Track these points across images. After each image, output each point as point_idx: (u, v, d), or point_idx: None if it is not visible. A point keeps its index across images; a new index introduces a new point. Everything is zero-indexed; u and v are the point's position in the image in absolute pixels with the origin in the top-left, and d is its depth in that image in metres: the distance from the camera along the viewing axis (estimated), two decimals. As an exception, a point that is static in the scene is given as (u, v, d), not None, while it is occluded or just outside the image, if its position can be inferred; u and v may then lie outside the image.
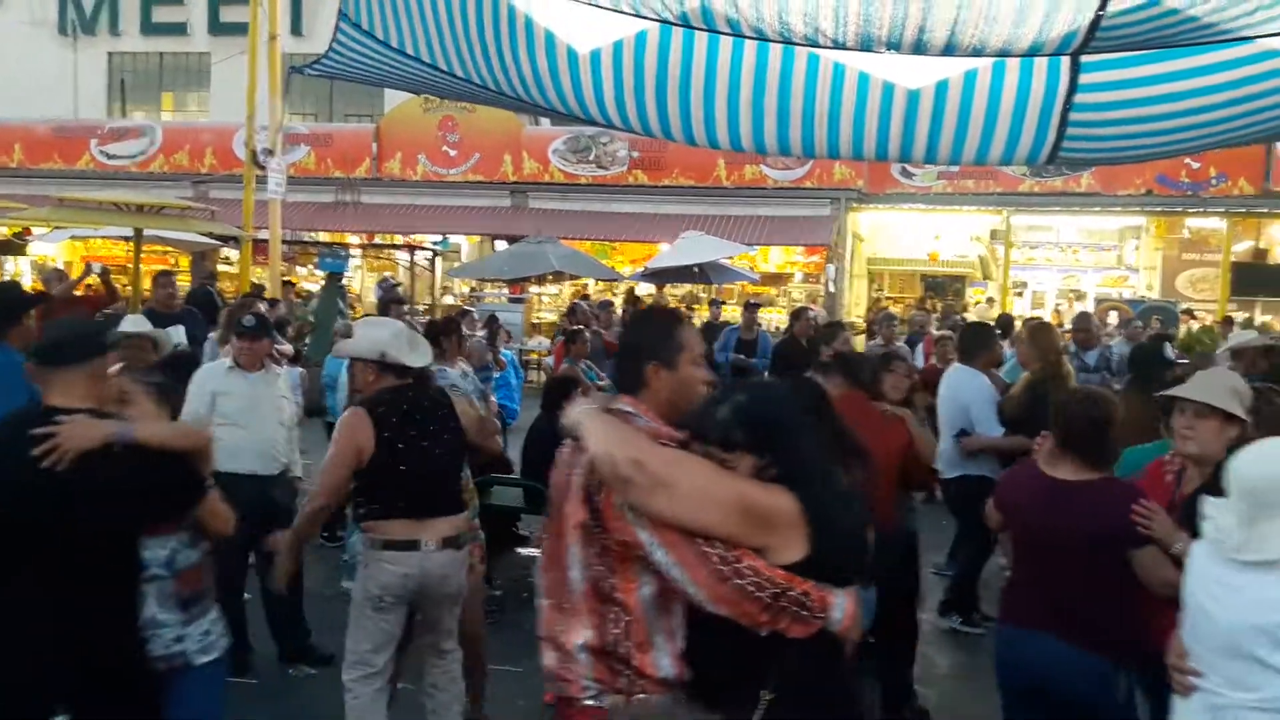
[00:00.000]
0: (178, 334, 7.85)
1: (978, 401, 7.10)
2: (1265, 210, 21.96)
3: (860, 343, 15.18)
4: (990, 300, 23.00)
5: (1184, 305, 20.97)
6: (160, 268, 16.38)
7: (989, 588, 7.38)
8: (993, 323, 13.45)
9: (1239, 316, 20.28)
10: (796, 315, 12.89)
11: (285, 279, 19.01)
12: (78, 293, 11.01)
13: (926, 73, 4.74)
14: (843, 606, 2.64)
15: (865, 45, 4.08)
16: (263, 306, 9.73)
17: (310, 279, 23.59)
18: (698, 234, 18.43)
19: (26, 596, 3.23)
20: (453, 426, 5.01)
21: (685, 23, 4.23)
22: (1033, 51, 4.02)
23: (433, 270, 23.23)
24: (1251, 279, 22.37)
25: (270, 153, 14.73)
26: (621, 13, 4.25)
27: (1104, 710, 3.89)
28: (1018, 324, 12.72)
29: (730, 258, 18.73)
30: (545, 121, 22.27)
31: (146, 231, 12.01)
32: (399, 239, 23.56)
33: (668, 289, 21.83)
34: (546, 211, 23.53)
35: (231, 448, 6.14)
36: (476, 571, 5.31)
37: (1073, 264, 24.70)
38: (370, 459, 4.73)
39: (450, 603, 4.91)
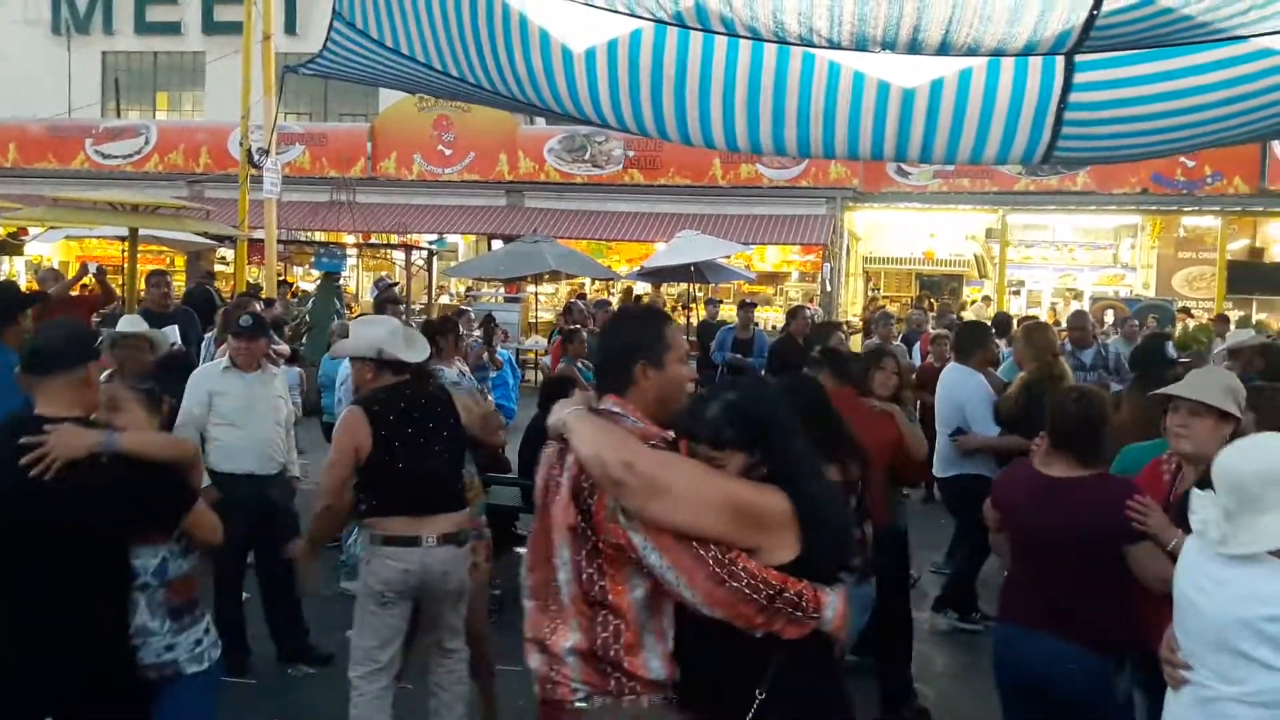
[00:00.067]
0: (172, 334, 7.84)
1: (973, 401, 7.11)
2: (1260, 209, 22.00)
3: (857, 341, 15.20)
4: (987, 299, 23.02)
5: (1180, 304, 21.03)
6: (154, 267, 16.36)
7: (988, 586, 7.38)
8: (989, 321, 13.47)
9: (1235, 315, 20.31)
10: (793, 314, 12.92)
11: (281, 279, 19.00)
12: (74, 293, 11.00)
13: (921, 72, 4.74)
14: (834, 605, 2.64)
15: (860, 45, 4.08)
16: (259, 306, 9.72)
17: (306, 279, 23.60)
18: (694, 233, 18.41)
19: (15, 603, 3.24)
20: (451, 423, 5.01)
21: (680, 22, 4.23)
22: (1027, 51, 4.03)
23: (429, 270, 23.19)
24: (1247, 277, 22.44)
25: (265, 152, 14.70)
26: (616, 12, 4.25)
27: (1102, 708, 3.90)
28: (1015, 323, 12.74)
29: (726, 257, 18.72)
30: (540, 121, 22.26)
31: (142, 231, 11.99)
32: (395, 238, 23.54)
33: (664, 288, 21.83)
34: (542, 211, 23.54)
35: (229, 448, 6.16)
36: (481, 570, 5.29)
37: (1069, 263, 24.74)
38: (368, 457, 4.76)
39: (452, 599, 4.91)
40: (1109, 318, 17.73)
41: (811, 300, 21.99)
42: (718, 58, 4.87)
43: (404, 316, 11.62)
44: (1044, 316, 20.12)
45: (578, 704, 2.66)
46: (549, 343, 16.66)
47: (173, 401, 5.34)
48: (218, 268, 22.20)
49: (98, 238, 20.55)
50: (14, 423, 3.32)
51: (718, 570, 2.52)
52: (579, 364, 10.82)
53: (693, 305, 19.05)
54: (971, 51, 4.05)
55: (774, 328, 18.03)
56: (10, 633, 3.23)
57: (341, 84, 17.90)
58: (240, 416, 6.19)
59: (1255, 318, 21.04)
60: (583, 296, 21.82)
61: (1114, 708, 3.94)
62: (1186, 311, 20.31)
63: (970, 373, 7.29)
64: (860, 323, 18.94)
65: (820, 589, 2.61)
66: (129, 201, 11.10)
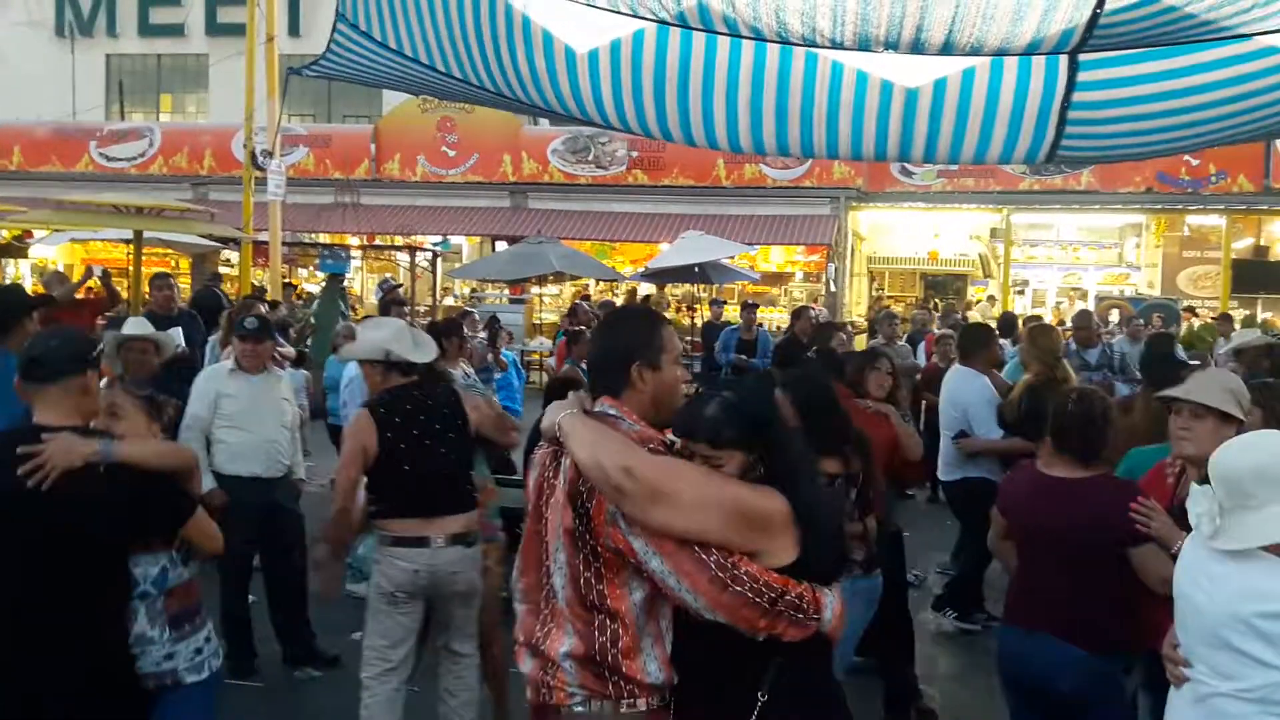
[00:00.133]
0: (176, 336, 7.84)
1: (976, 403, 7.10)
2: (1265, 207, 21.96)
3: (862, 341, 15.19)
4: (991, 299, 23.01)
5: (1185, 303, 20.98)
6: (161, 270, 16.38)
7: (993, 587, 7.38)
8: (995, 321, 13.45)
9: (1240, 314, 20.28)
10: (798, 314, 12.91)
11: (286, 281, 19.02)
12: (79, 296, 11.01)
13: (924, 71, 4.74)
14: (832, 605, 2.64)
15: (863, 45, 4.08)
16: (263, 308, 9.73)
17: (311, 280, 23.61)
18: (698, 234, 18.41)
19: (15, 604, 3.24)
20: (458, 425, 5.02)
21: (683, 22, 4.23)
22: (1030, 50, 4.02)
23: (433, 271, 23.20)
24: (1252, 276, 22.39)
25: (269, 154, 14.72)
26: (619, 13, 4.25)
27: (1104, 709, 3.90)
28: (1020, 323, 12.73)
29: (731, 258, 18.72)
30: (544, 122, 22.26)
31: (147, 234, 12.01)
32: (399, 240, 23.55)
33: (668, 289, 21.83)
34: (546, 212, 23.54)
35: (234, 450, 6.17)
36: (493, 574, 5.29)
37: (1073, 262, 24.71)
38: (375, 459, 4.80)
39: (462, 600, 4.92)
40: (1114, 317, 17.69)
41: (816, 301, 21.96)
42: (720, 58, 4.87)
43: (409, 318, 11.62)
44: (1049, 316, 20.11)
45: (575, 708, 2.65)
46: (554, 344, 16.67)
47: (178, 404, 5.35)
48: (222, 270, 22.25)
49: (102, 240, 20.59)
50: (11, 433, 3.32)
51: (720, 575, 2.51)
52: (583, 365, 10.82)
53: (697, 306, 19.05)
54: (975, 51, 4.04)
55: (778, 328, 18.01)
56: (10, 633, 3.24)
57: (345, 86, 17.94)
58: (246, 419, 6.20)
59: (1260, 316, 21.02)
60: (587, 298, 21.83)
61: (1116, 708, 3.94)
62: (1191, 310, 20.27)
63: (974, 375, 7.28)
64: (865, 323, 18.94)
65: (819, 589, 2.62)
66: (133, 204, 11.12)
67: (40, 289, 12.73)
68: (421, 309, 20.47)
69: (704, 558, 2.52)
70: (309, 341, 12.91)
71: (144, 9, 28.84)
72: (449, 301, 23.79)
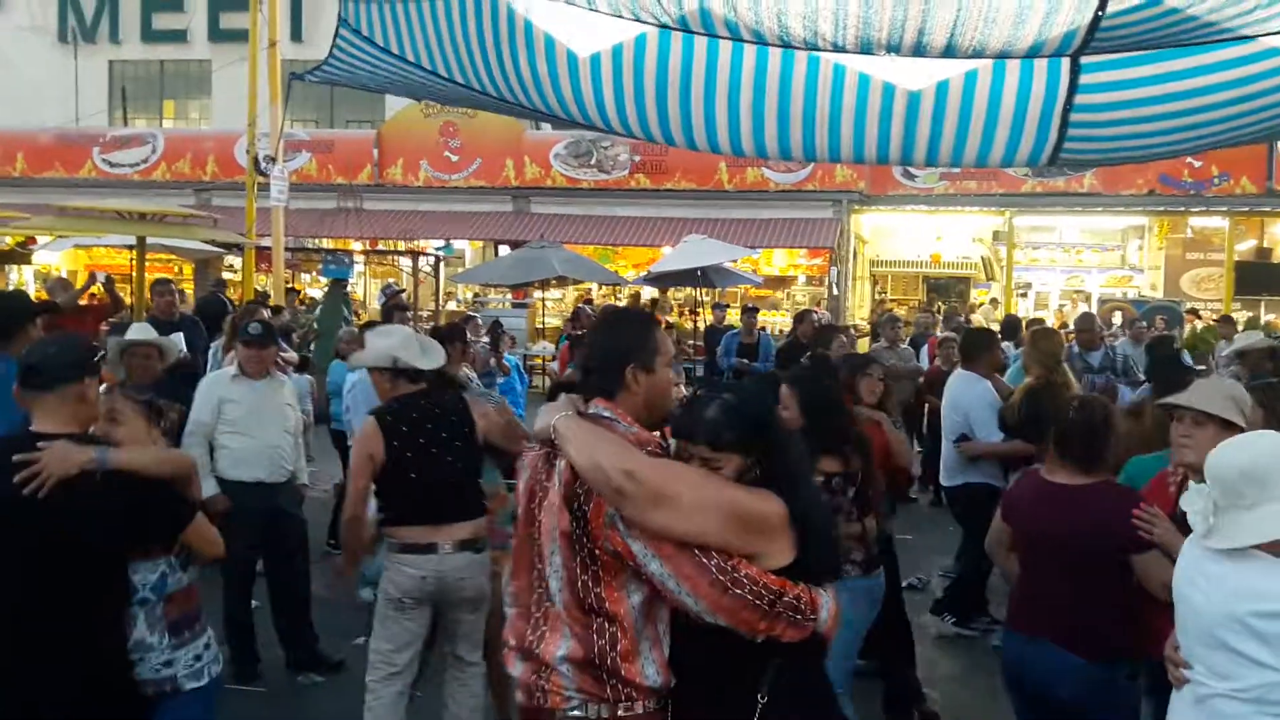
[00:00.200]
0: (177, 342, 7.85)
1: (977, 407, 7.10)
2: (1268, 209, 21.96)
3: (864, 345, 15.20)
4: (994, 301, 23.00)
5: (1188, 305, 20.96)
6: (162, 276, 16.41)
7: (995, 592, 7.37)
8: (998, 324, 13.42)
9: (1243, 316, 20.25)
10: (800, 318, 12.93)
11: (289, 286, 19.02)
12: (82, 302, 11.02)
13: (927, 74, 4.74)
14: (828, 606, 2.64)
15: (865, 48, 4.07)
16: (267, 314, 9.73)
17: (314, 285, 23.63)
18: (700, 237, 18.40)
19: (13, 611, 3.24)
20: (465, 432, 5.04)
21: (684, 27, 4.23)
22: (1032, 53, 4.02)
23: (436, 276, 23.23)
24: (1255, 278, 22.38)
25: (272, 159, 14.72)
26: (620, 17, 4.25)
27: (1105, 717, 3.90)
28: (1023, 326, 12.72)
29: (733, 261, 18.72)
30: (546, 126, 22.29)
31: (150, 240, 12.00)
32: (402, 245, 23.58)
33: (670, 292, 21.83)
34: (549, 216, 23.55)
35: (237, 455, 6.18)
36: (503, 580, 5.29)
37: (1076, 264, 24.71)
38: (382, 466, 4.83)
39: (469, 606, 4.93)
40: (1117, 319, 17.67)
41: (819, 304, 21.96)
42: (722, 61, 4.87)
43: (411, 323, 11.63)
44: (1051, 318, 20.10)
45: (571, 712, 2.64)
46: (556, 348, 16.65)
47: (181, 409, 5.36)
48: (225, 275, 22.27)
49: (105, 246, 20.59)
50: (8, 441, 3.32)
51: (721, 577, 2.51)
52: (585, 369, 10.80)
53: (699, 310, 19.06)
54: (977, 54, 4.04)
55: (781, 332, 18.01)
56: (7, 641, 3.24)
57: (347, 91, 17.95)
58: (249, 424, 6.21)
59: (1264, 318, 20.99)
60: (590, 301, 21.84)
61: (1118, 714, 3.94)
62: (1194, 313, 20.26)
63: (975, 379, 7.27)
64: (868, 326, 18.93)
65: (815, 590, 2.62)
66: (136, 210, 11.10)
67: (43, 295, 12.75)
68: (424, 314, 20.50)
69: (704, 561, 2.52)
70: (312, 346, 12.92)
71: (146, 15, 28.88)
72: (452, 306, 23.83)
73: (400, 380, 5.01)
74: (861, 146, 5.31)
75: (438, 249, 23.66)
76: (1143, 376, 9.26)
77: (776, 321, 21.29)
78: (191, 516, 3.55)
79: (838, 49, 4.15)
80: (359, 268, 23.35)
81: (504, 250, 22.90)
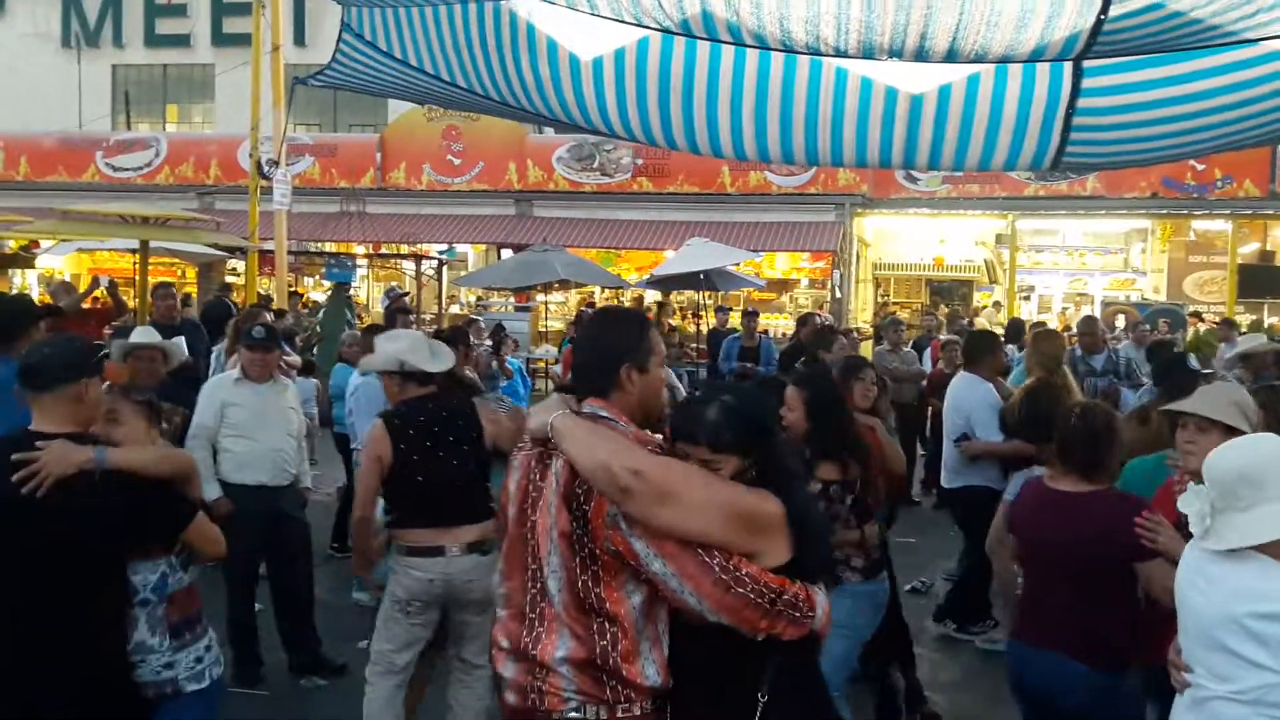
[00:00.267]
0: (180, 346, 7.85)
1: (979, 408, 7.10)
2: (1271, 212, 21.92)
3: (868, 348, 15.19)
4: (997, 304, 22.98)
5: (1191, 308, 20.94)
6: (165, 280, 16.41)
7: (999, 595, 7.35)
8: (1001, 327, 13.41)
9: (1246, 319, 20.23)
10: (803, 321, 12.92)
11: (292, 290, 19.04)
12: (86, 305, 11.04)
13: (929, 78, 4.75)
14: (823, 604, 2.65)
15: (867, 53, 4.08)
16: (270, 317, 9.74)
17: (317, 289, 23.65)
18: (703, 241, 18.40)
19: (12, 610, 3.25)
20: (472, 436, 5.06)
21: (686, 31, 4.23)
22: (1035, 56, 4.02)
23: (439, 279, 23.23)
24: (1258, 281, 22.36)
25: (275, 163, 14.73)
26: (623, 22, 4.26)
27: (1108, 722, 3.90)
28: (1026, 328, 12.71)
29: (736, 264, 18.72)
30: (549, 130, 22.26)
31: (153, 243, 12.02)
32: (404, 248, 23.59)
33: (673, 295, 21.82)
34: (551, 219, 23.54)
35: (240, 458, 6.19)
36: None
37: (1079, 267, 24.70)
38: (389, 469, 4.88)
39: (476, 609, 4.93)
40: (1120, 322, 17.65)
41: (821, 307, 21.94)
42: (725, 66, 4.88)
43: (414, 326, 11.63)
44: (1054, 321, 20.09)
45: (570, 714, 2.63)
46: (559, 351, 16.65)
47: (185, 412, 5.36)
48: (228, 279, 22.29)
49: (109, 250, 20.61)
50: (7, 439, 3.34)
51: (724, 576, 2.52)
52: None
53: (702, 313, 19.06)
54: (979, 59, 4.04)
55: (784, 335, 18.01)
56: (6, 640, 3.24)
57: (350, 95, 17.94)
58: (252, 427, 6.21)
59: (1266, 321, 20.97)
60: (592, 305, 21.82)
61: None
62: (1198, 316, 20.22)
63: (978, 381, 7.28)
64: (870, 329, 18.92)
65: (812, 589, 2.63)
66: (140, 214, 11.13)
67: (47, 299, 12.76)
68: (427, 317, 20.50)
69: (707, 560, 2.52)
70: (315, 350, 12.94)
71: (150, 19, 28.93)
72: (455, 310, 23.82)
73: (409, 384, 5.05)
74: (864, 150, 5.31)
75: (440, 252, 23.65)
76: (1145, 379, 9.24)
77: (779, 325, 21.28)
78: (191, 516, 3.55)
79: (840, 54, 4.15)
80: (362, 271, 23.35)
81: (507, 254, 22.89)
